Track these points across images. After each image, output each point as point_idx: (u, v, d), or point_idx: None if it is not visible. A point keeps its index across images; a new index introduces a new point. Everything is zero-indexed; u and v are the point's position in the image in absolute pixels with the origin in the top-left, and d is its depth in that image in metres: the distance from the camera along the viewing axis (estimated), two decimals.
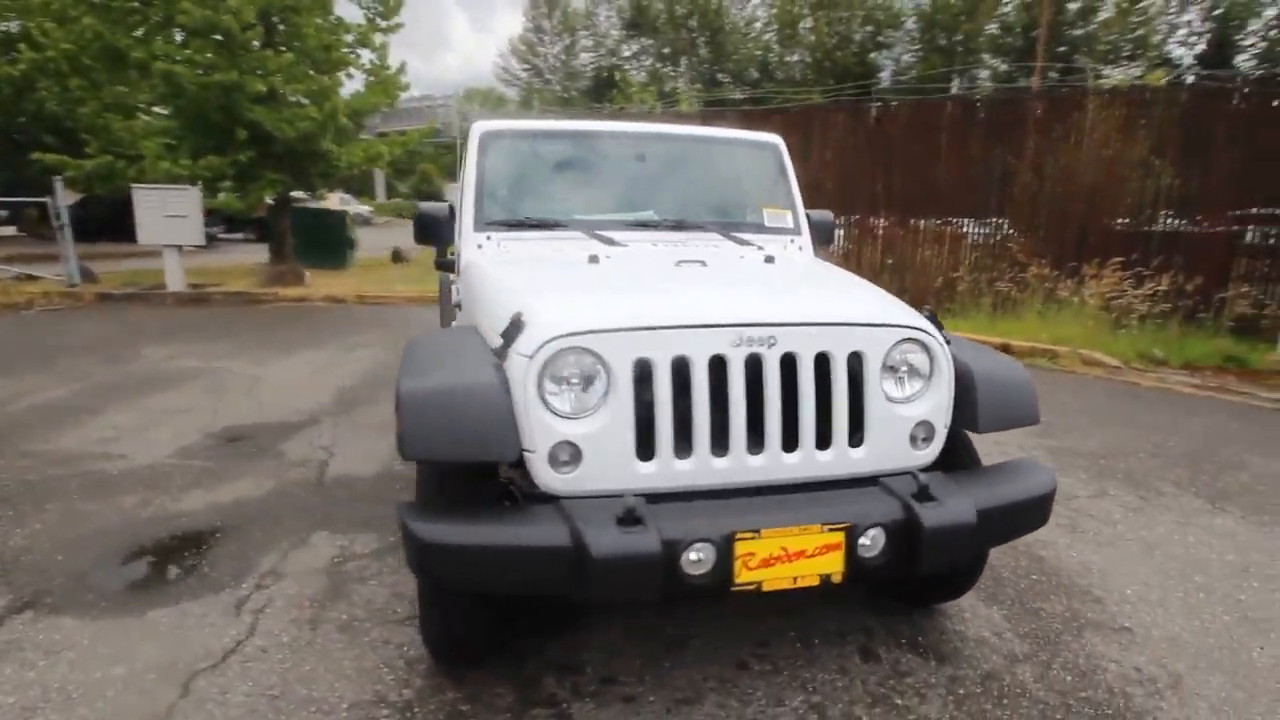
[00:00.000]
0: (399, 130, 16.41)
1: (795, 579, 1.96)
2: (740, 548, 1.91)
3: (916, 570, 2.06)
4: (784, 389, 2.11)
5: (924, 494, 2.07)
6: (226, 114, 11.10)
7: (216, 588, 2.91)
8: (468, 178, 3.27)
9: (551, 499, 2.02)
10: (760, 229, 3.41)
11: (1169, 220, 8.50)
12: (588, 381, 2.05)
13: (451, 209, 3.25)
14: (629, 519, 1.87)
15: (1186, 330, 7.69)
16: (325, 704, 2.23)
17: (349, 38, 13.07)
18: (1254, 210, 8.20)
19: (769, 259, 3.02)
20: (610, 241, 3.11)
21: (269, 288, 11.43)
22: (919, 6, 38.99)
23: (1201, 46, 36.11)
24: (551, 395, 2.02)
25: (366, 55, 13.34)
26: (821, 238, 3.59)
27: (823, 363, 2.15)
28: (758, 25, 42.77)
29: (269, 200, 13.15)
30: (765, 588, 1.95)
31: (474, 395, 1.98)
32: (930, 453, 2.29)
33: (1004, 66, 38.67)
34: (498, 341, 2.16)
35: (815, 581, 1.98)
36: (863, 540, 2.00)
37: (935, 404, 2.27)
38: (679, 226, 3.29)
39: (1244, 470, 4.44)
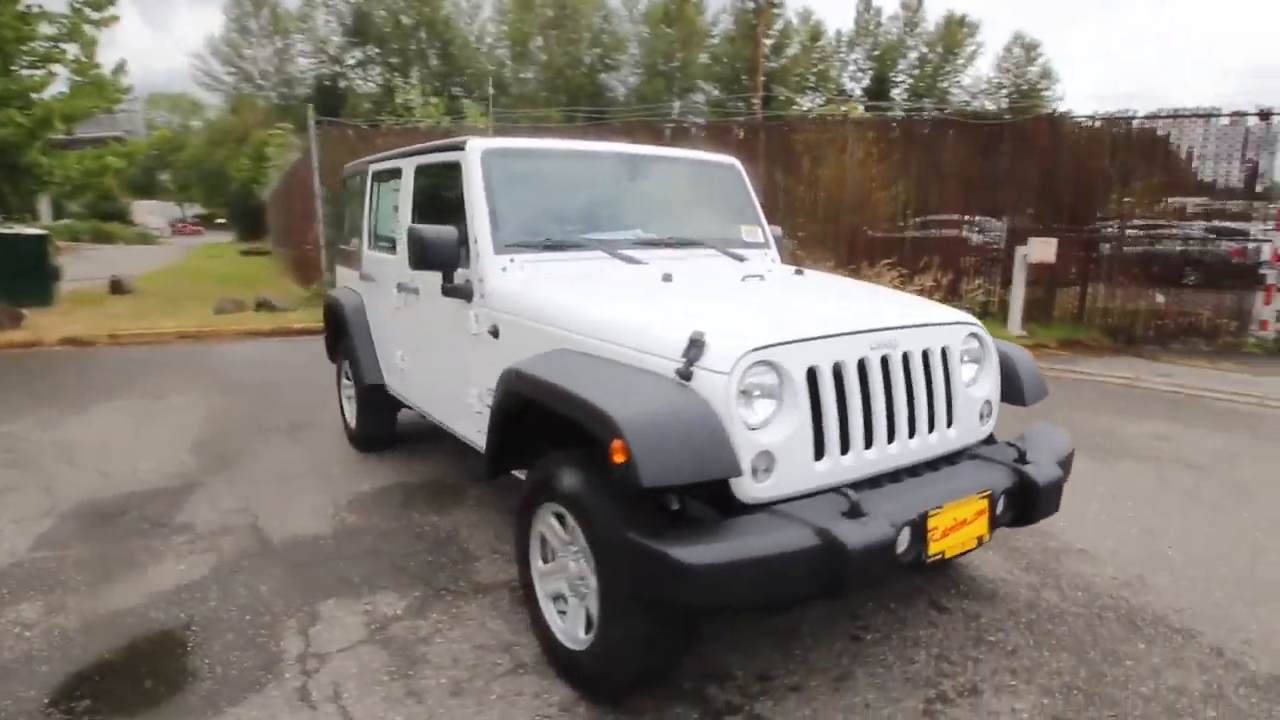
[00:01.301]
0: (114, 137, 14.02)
1: (962, 545, 2.26)
2: (931, 522, 2.16)
3: (1028, 524, 2.48)
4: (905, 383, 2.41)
5: (1023, 459, 2.49)
6: None
7: (254, 685, 2.46)
8: (474, 199, 3.09)
9: (754, 508, 2.10)
10: (740, 244, 3.67)
11: (914, 226, 10.36)
12: (767, 392, 2.16)
13: (459, 233, 3.05)
14: (855, 512, 2.03)
15: None
16: None
17: (49, 29, 10.91)
18: (943, 216, 10.30)
19: (799, 272, 3.30)
20: (634, 260, 3.17)
21: None
22: (640, 34, 41.98)
23: (866, 81, 43.56)
24: (742, 408, 2.10)
25: (72, 51, 11.22)
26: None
27: (925, 358, 2.48)
28: (489, 40, 42.88)
29: None
30: (947, 555, 2.22)
31: (694, 417, 2.00)
32: (990, 426, 2.74)
33: (716, 92, 43.08)
34: (661, 363, 2.17)
35: (974, 545, 2.30)
36: (998, 503, 2.36)
37: (991, 385, 2.72)
38: (682, 244, 3.43)
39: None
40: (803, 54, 42.06)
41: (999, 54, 44.66)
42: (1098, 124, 9.73)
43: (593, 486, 2.18)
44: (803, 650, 2.61)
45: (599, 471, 2.16)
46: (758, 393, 2.14)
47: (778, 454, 2.13)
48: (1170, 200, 9.74)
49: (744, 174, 3.93)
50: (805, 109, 37.22)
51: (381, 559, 3.34)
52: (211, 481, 4.32)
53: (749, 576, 1.91)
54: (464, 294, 3.10)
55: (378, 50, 40.20)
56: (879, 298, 2.96)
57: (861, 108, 37.57)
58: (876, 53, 42.71)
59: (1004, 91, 41.54)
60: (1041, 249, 8.97)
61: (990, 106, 40.38)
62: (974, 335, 2.69)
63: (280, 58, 41.70)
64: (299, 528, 3.67)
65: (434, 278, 3.41)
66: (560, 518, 2.40)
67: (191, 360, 8.13)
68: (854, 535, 1.95)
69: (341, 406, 5.10)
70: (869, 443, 2.32)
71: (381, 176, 4.30)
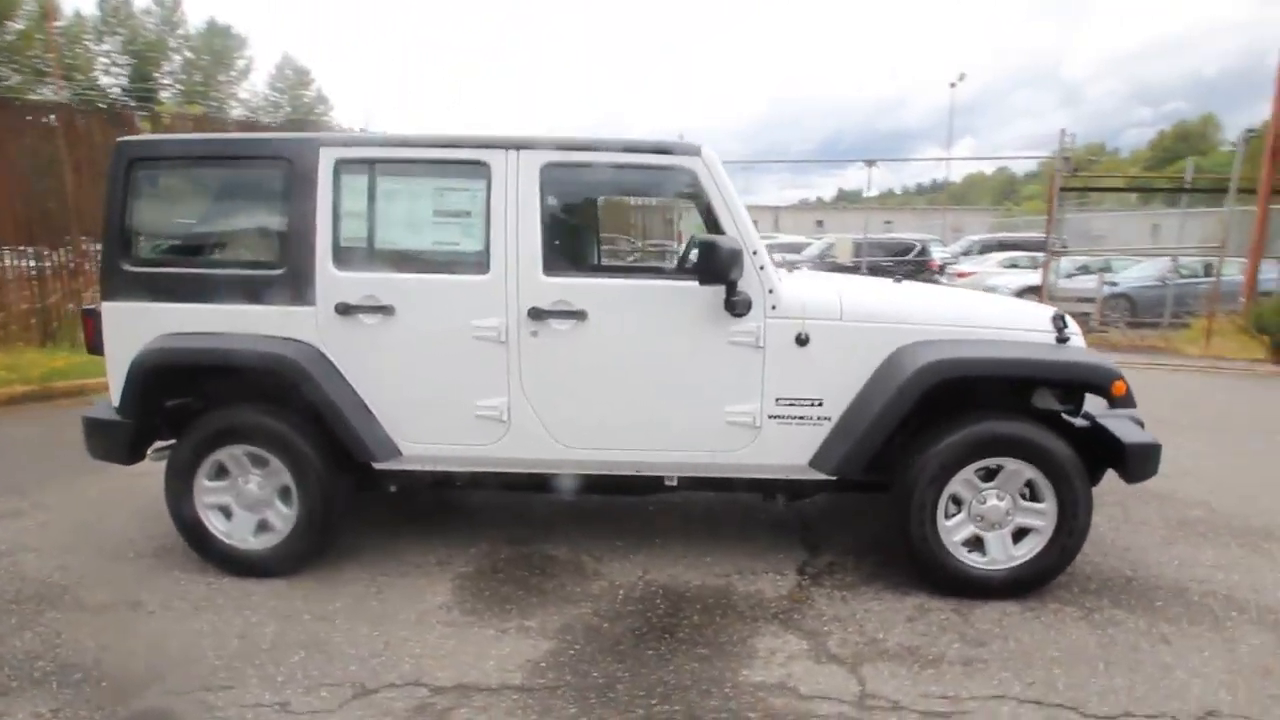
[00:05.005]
0: None
1: None
2: None
3: None
4: None
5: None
6: None
7: None
8: (734, 209, 2.96)
9: None
10: None
11: None
12: None
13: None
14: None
15: None
16: None
17: None
18: None
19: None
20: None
21: None
22: None
23: (124, 78, 37.41)
24: None
25: None
26: None
27: None
28: None
29: None
30: None
31: None
32: None
33: None
34: (1043, 335, 3.07)
35: None
36: None
37: None
38: None
39: None
40: (33, 30, 33.26)
41: (271, 73, 44.78)
42: None
43: (1042, 429, 2.93)
44: None
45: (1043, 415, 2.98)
46: None
47: None
48: None
49: None
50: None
51: (695, 631, 2.83)
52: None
53: None
54: (740, 307, 2.96)
55: None
56: None
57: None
58: (135, 48, 37.14)
59: (282, 111, 41.88)
60: None
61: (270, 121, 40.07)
62: None
63: None
64: (522, 669, 2.62)
65: (611, 296, 3.09)
66: (982, 470, 2.96)
67: None
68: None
69: (203, 523, 3.16)
70: None
71: (383, 168, 3.07)
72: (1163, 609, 2.98)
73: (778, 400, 3.05)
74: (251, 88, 43.40)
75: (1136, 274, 14.06)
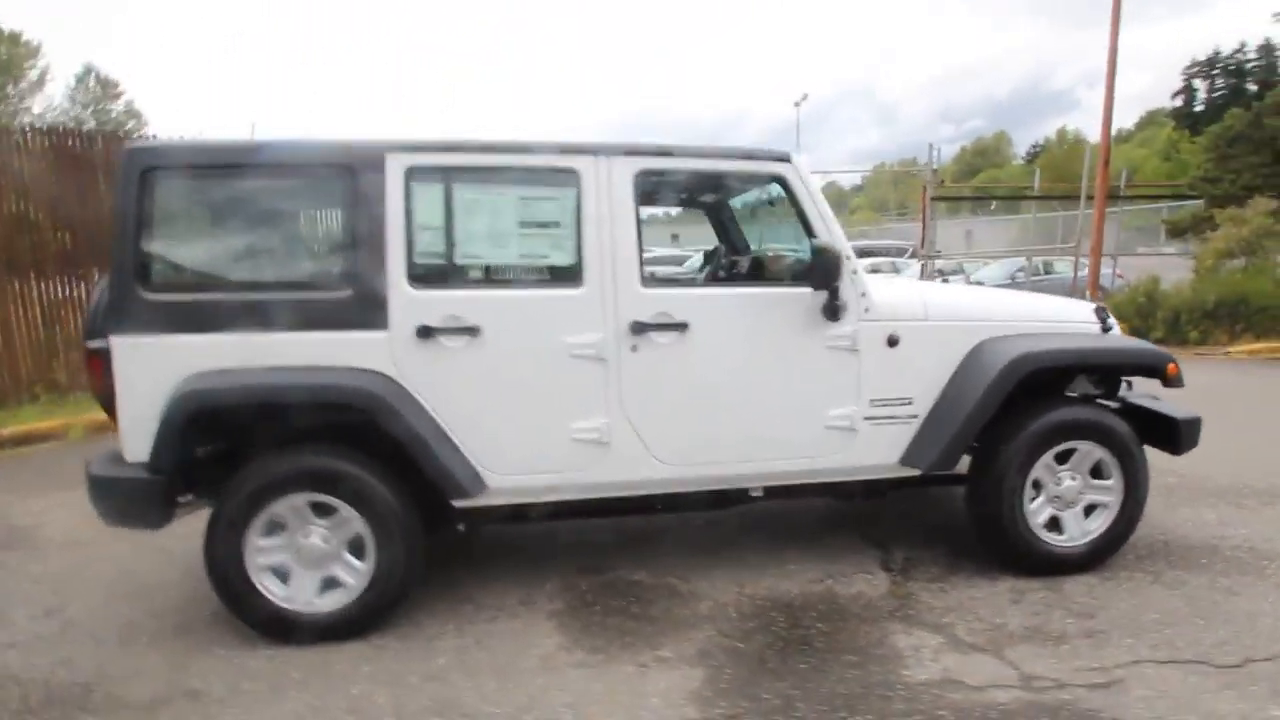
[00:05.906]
0: None
1: None
2: None
3: None
4: None
5: None
6: None
7: None
8: (825, 214, 2.99)
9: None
10: None
11: None
12: None
13: None
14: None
15: None
16: None
17: None
18: None
19: None
20: None
21: None
22: None
23: None
24: None
25: None
26: None
27: None
28: None
29: None
30: None
31: None
32: None
33: None
34: (1090, 326, 3.35)
35: None
36: None
37: None
38: None
39: None
40: None
41: (70, 85, 39.82)
42: None
43: (1109, 413, 3.18)
44: None
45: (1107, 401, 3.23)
46: None
47: None
48: None
49: None
50: None
51: (830, 639, 2.79)
52: None
53: None
54: (841, 312, 2.98)
55: None
56: None
57: None
58: None
59: (86, 126, 37.19)
60: None
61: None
62: None
63: None
64: None
65: (714, 306, 3.02)
66: (1060, 455, 3.15)
67: None
68: None
69: (257, 587, 2.72)
70: None
71: (459, 176, 2.81)
72: (1210, 565, 3.31)
73: (872, 401, 3.09)
74: (48, 99, 38.35)
75: (988, 274, 15.65)
